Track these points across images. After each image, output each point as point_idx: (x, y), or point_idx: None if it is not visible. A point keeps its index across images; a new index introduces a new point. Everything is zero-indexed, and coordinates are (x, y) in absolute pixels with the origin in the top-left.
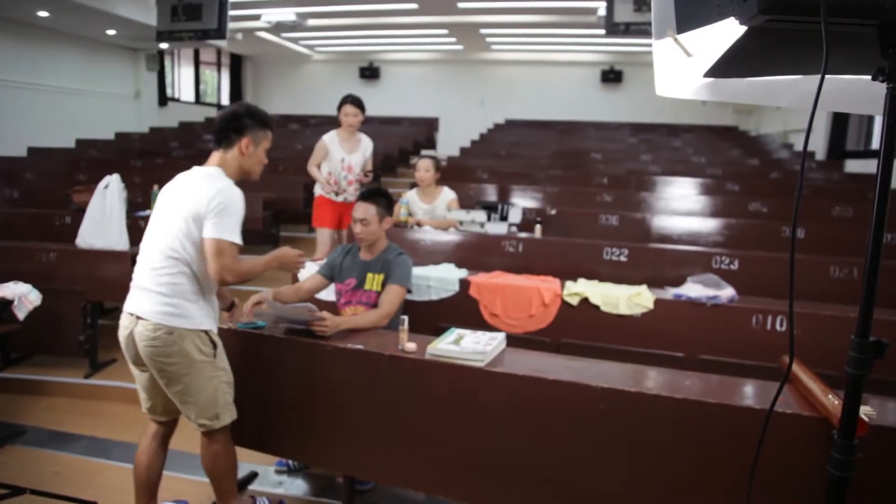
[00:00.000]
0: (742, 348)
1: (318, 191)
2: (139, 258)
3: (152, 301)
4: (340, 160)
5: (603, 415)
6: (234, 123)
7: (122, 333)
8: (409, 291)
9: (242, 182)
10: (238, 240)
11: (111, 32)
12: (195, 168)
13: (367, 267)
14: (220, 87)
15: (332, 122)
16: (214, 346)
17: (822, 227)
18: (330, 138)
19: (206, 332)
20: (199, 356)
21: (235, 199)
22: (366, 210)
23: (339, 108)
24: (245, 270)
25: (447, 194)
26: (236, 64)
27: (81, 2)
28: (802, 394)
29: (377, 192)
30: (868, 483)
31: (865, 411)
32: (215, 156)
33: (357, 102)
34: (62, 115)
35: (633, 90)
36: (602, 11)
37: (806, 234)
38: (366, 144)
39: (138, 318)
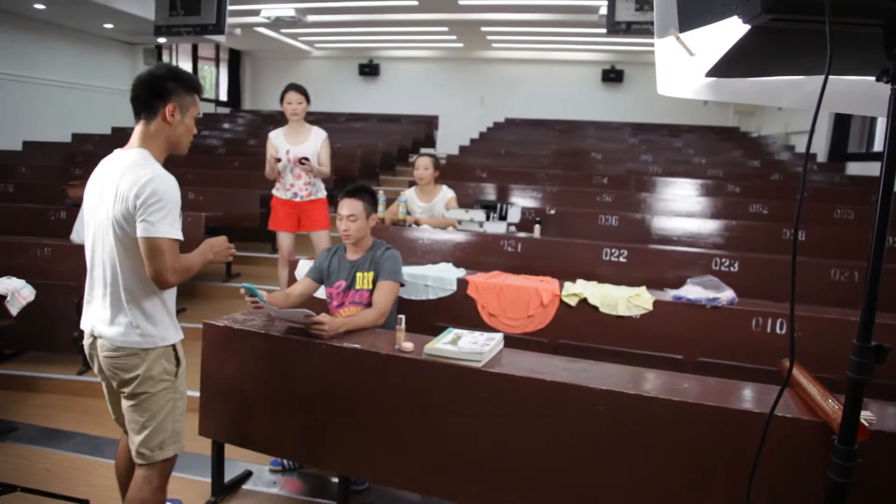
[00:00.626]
0: (741, 351)
1: (273, 191)
2: (88, 268)
3: (107, 321)
4: (286, 152)
5: (601, 417)
6: (155, 88)
7: (86, 342)
8: (402, 285)
9: (239, 178)
10: (178, 234)
11: (108, 26)
12: (117, 153)
13: (356, 266)
14: (218, 83)
15: (329, 119)
16: (178, 363)
17: (823, 230)
18: (275, 133)
19: (171, 346)
20: (160, 374)
21: (166, 187)
22: (353, 206)
23: (282, 98)
24: (187, 267)
25: (446, 193)
26: (235, 59)
27: None
28: (802, 398)
29: (362, 189)
30: (868, 489)
31: (866, 416)
32: (137, 131)
33: (299, 89)
34: (58, 110)
35: (634, 90)
36: (603, 10)
37: (807, 237)
38: (315, 135)
39: (97, 337)
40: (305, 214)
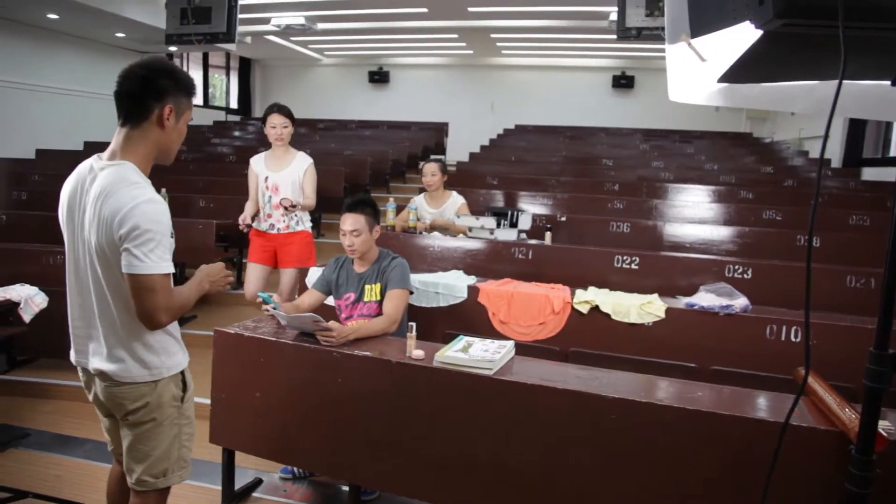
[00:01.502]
0: (756, 359)
1: (252, 223)
2: (70, 295)
3: (104, 356)
4: (264, 179)
5: (613, 425)
6: (151, 86)
7: (80, 373)
8: (411, 292)
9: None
10: (169, 268)
11: (120, 35)
12: (93, 162)
13: (364, 279)
14: (228, 91)
15: (339, 126)
16: (185, 388)
17: (838, 236)
18: (256, 158)
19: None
20: (169, 400)
21: (154, 214)
22: (356, 220)
23: (264, 120)
24: (182, 304)
25: (456, 199)
26: (245, 67)
27: (90, 4)
28: (818, 407)
29: (363, 202)
30: (886, 500)
31: (884, 426)
32: (121, 136)
33: (283, 111)
34: (70, 118)
35: (645, 96)
36: (613, 16)
37: (821, 243)
38: (299, 162)
39: (93, 374)
40: (283, 248)
